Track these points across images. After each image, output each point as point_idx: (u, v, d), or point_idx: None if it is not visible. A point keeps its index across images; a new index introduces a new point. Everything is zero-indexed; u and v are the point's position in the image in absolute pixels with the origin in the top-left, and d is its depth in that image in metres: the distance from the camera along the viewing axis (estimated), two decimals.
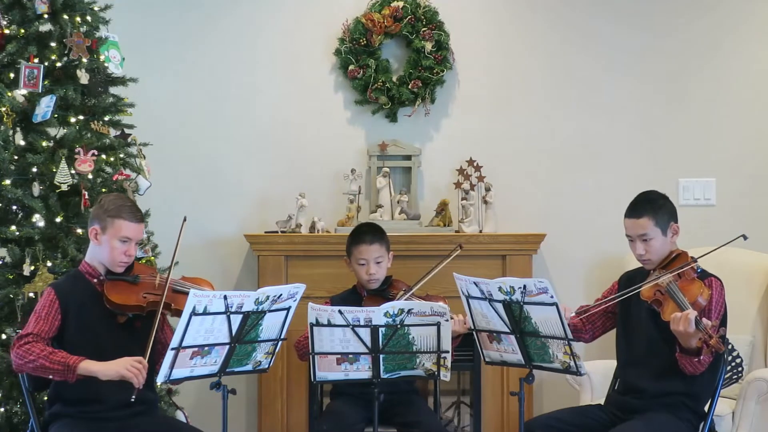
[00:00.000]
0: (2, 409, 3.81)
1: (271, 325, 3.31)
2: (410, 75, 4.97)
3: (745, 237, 3.52)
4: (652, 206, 3.56)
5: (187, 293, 3.41)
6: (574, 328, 3.65)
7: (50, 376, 3.24)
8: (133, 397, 3.20)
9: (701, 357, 3.29)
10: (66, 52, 4.10)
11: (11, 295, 3.86)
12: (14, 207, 3.98)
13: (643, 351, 3.56)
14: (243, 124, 5.07)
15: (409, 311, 3.36)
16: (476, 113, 5.11)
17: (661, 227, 3.53)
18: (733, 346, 3.73)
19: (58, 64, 4.09)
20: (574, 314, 3.58)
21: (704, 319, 3.24)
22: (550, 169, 5.10)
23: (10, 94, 3.96)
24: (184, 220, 3.52)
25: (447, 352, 3.42)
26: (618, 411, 3.59)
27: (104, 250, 3.42)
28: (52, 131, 4.13)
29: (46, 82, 4.03)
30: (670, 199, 3.67)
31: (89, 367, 3.20)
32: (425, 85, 4.96)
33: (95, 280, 3.45)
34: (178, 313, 3.42)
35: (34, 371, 3.24)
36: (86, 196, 3.97)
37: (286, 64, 5.09)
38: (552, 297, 3.19)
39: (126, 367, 3.18)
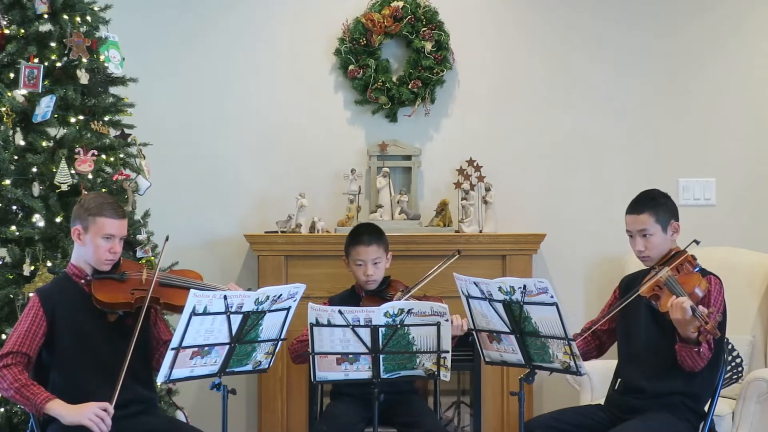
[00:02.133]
0: (2, 409, 3.81)
1: (271, 325, 3.31)
2: (410, 75, 4.97)
3: (697, 242, 3.52)
4: (653, 203, 3.58)
5: (175, 286, 3.42)
6: (584, 352, 3.66)
7: (20, 405, 3.27)
8: None
9: (700, 348, 3.29)
10: (66, 52, 4.10)
11: (11, 295, 3.86)
12: (14, 207, 3.99)
13: (643, 351, 3.56)
14: (243, 124, 5.07)
15: (409, 311, 3.36)
16: (476, 113, 5.11)
17: (661, 224, 3.55)
18: (733, 346, 3.73)
19: (58, 64, 4.09)
20: (579, 338, 3.58)
21: (701, 307, 3.25)
22: (550, 169, 5.10)
23: (10, 94, 3.96)
24: (166, 239, 3.50)
25: (447, 352, 3.42)
26: (618, 411, 3.58)
27: (89, 249, 3.40)
28: (52, 131, 4.13)
29: (46, 82, 4.03)
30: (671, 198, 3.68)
31: (55, 408, 3.19)
32: (425, 85, 4.96)
33: (82, 281, 3.43)
34: (168, 307, 3.42)
35: (8, 396, 3.27)
36: None
37: (286, 64, 5.09)
38: (552, 297, 3.18)
39: (89, 417, 3.16)
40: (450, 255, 4.01)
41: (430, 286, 4.03)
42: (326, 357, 3.40)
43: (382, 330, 3.34)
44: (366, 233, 4.06)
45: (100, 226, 3.38)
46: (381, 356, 3.38)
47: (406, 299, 3.83)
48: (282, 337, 3.39)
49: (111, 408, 3.18)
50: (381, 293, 3.99)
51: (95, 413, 3.16)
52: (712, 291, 3.43)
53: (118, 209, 3.45)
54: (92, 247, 3.39)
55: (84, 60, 4.10)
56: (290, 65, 5.09)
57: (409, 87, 4.95)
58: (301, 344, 3.79)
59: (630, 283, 3.71)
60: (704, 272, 3.51)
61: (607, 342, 3.77)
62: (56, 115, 4.05)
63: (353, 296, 4.06)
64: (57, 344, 3.34)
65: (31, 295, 3.80)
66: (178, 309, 3.37)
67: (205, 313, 3.12)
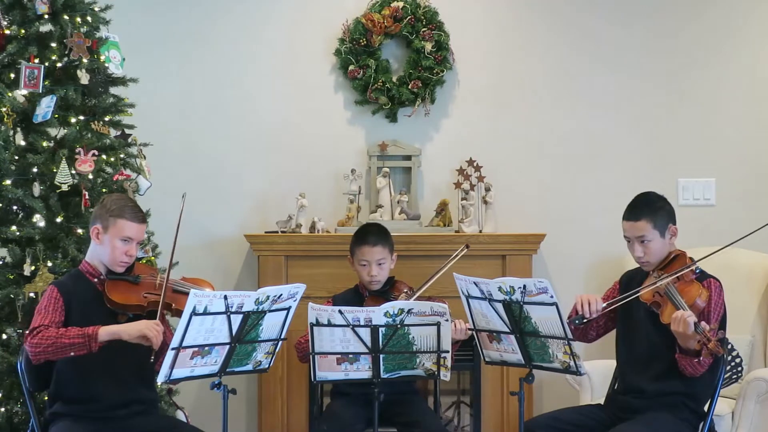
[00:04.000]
0: (3, 409, 3.81)
1: (271, 325, 3.31)
2: (410, 75, 4.97)
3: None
4: (650, 209, 3.56)
5: (187, 293, 3.42)
6: (584, 331, 3.66)
7: (71, 353, 3.21)
8: (153, 357, 3.25)
9: (701, 358, 3.29)
10: (66, 52, 4.10)
11: (12, 295, 3.86)
12: (15, 207, 3.99)
13: (642, 351, 3.56)
14: (243, 125, 5.07)
15: (409, 311, 3.36)
16: (476, 113, 5.11)
17: (659, 229, 3.53)
18: (732, 346, 3.73)
19: (59, 65, 4.10)
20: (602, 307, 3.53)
21: (702, 323, 3.24)
22: (550, 169, 5.10)
23: (10, 94, 3.96)
24: (184, 196, 3.52)
25: (447, 351, 3.42)
26: (618, 411, 3.59)
27: (105, 249, 3.43)
28: (52, 131, 4.13)
29: (46, 83, 4.03)
30: (670, 199, 3.68)
31: (109, 329, 3.23)
32: (425, 85, 4.96)
33: (96, 280, 3.45)
34: (178, 314, 3.42)
35: (54, 354, 3.22)
36: (87, 197, 3.98)
37: (287, 64, 5.09)
38: (552, 297, 3.19)
39: (148, 327, 3.23)
40: (459, 249, 3.99)
41: (431, 287, 4.03)
42: (326, 357, 3.40)
43: (382, 330, 3.35)
44: (372, 233, 4.06)
45: (119, 227, 3.41)
46: (381, 356, 3.39)
47: (414, 299, 3.83)
48: (282, 337, 3.39)
49: (162, 325, 3.27)
50: (385, 294, 3.99)
51: (154, 327, 3.24)
52: (712, 296, 3.42)
53: (138, 213, 3.48)
54: (109, 247, 3.42)
55: (84, 60, 4.10)
56: (290, 65, 5.09)
57: (409, 87, 4.95)
58: (308, 343, 3.79)
59: (630, 279, 3.70)
60: (704, 275, 3.50)
61: (604, 328, 3.71)
62: (57, 116, 4.06)
63: (356, 296, 4.06)
64: None
65: (31, 294, 3.81)
66: None
67: (205, 313, 3.12)
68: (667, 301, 3.37)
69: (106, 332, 3.22)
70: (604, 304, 3.53)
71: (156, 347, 3.25)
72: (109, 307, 3.39)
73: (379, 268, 3.98)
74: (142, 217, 3.49)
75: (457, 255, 3.97)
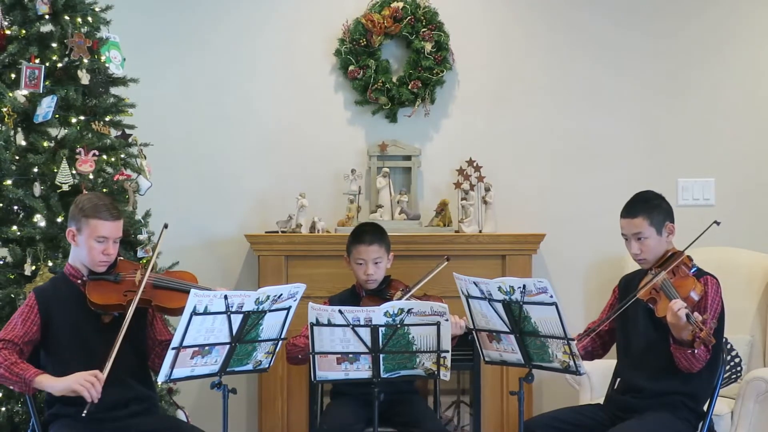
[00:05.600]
0: (3, 409, 3.82)
1: (271, 325, 3.31)
2: (410, 75, 4.98)
3: (717, 223, 3.58)
4: (647, 206, 3.58)
5: (168, 289, 3.41)
6: (590, 352, 3.69)
7: (11, 387, 3.25)
8: (85, 412, 3.15)
9: (695, 350, 3.30)
10: (67, 52, 4.11)
11: (12, 295, 3.87)
12: (15, 207, 3.99)
13: (642, 351, 3.57)
14: (243, 125, 5.08)
15: (409, 311, 3.37)
16: (476, 113, 5.12)
17: (656, 227, 3.55)
18: (732, 346, 3.74)
19: (59, 65, 4.10)
20: (579, 340, 3.59)
21: (695, 313, 3.26)
22: (550, 169, 5.11)
23: (11, 94, 3.97)
24: (165, 227, 3.47)
25: (447, 351, 3.43)
26: (617, 410, 3.59)
27: (83, 251, 3.39)
28: (53, 131, 4.14)
29: (47, 83, 4.04)
30: (669, 199, 3.69)
31: (43, 382, 3.19)
32: (425, 85, 4.97)
33: (79, 281, 3.42)
34: (160, 310, 3.42)
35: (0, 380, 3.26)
36: None
37: (287, 64, 5.10)
38: (551, 297, 3.19)
39: (78, 382, 3.15)
40: (440, 261, 3.97)
41: (431, 286, 4.03)
42: (326, 357, 3.40)
43: (382, 330, 3.35)
44: (368, 232, 4.06)
45: (93, 228, 3.36)
46: (381, 356, 3.39)
47: (406, 299, 3.84)
48: (282, 336, 3.39)
49: (102, 375, 3.17)
50: (381, 293, 3.99)
51: (85, 378, 3.15)
52: (708, 292, 3.44)
53: (112, 210, 3.41)
54: (86, 248, 3.38)
55: (85, 60, 4.10)
56: (290, 66, 5.10)
57: (409, 87, 4.96)
58: (295, 347, 3.81)
59: (628, 283, 3.72)
60: (701, 273, 3.51)
61: (610, 341, 3.78)
62: (57, 116, 4.06)
63: (353, 296, 4.07)
64: (54, 344, 3.34)
65: None
66: (170, 311, 3.39)
67: (205, 312, 3.12)
68: (662, 295, 3.39)
69: (39, 383, 3.19)
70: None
71: (91, 400, 3.14)
72: (92, 309, 3.37)
73: (375, 267, 3.99)
74: (116, 214, 3.41)
75: (437, 269, 3.94)
